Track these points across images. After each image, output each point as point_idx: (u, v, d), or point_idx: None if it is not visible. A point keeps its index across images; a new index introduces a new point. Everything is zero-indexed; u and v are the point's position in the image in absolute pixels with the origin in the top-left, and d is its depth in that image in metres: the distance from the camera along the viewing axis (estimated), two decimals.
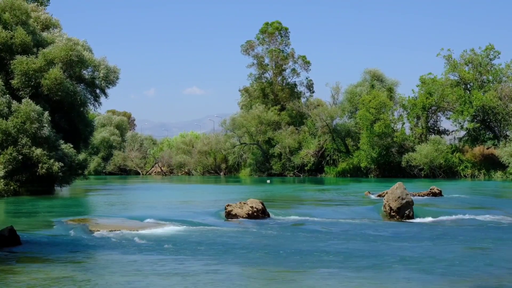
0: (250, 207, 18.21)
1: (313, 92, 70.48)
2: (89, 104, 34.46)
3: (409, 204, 18.70)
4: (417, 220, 18.33)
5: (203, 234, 14.96)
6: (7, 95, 28.35)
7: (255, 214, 18.11)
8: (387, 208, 18.80)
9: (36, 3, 34.61)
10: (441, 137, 53.27)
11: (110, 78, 33.74)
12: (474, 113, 50.47)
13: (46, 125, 28.39)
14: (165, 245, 13.12)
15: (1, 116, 27.41)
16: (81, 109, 33.84)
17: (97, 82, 33.70)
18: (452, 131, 55.68)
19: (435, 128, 56.06)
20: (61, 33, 33.23)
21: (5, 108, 27.69)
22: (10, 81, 29.62)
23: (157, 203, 26.37)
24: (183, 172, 73.48)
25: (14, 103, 28.03)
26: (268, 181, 49.06)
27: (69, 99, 31.14)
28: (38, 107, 28.14)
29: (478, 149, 51.98)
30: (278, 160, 62.91)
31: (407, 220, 18.22)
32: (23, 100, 28.09)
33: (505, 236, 14.85)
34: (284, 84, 68.66)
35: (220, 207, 19.86)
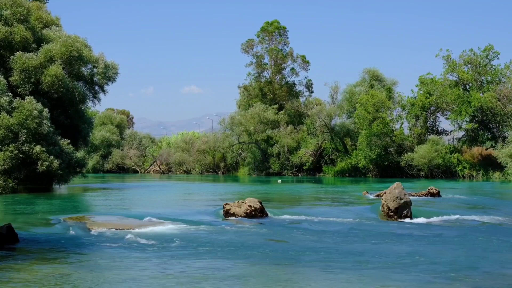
0: (248, 206, 18.21)
1: (312, 91, 70.57)
2: (88, 101, 34.45)
3: (407, 204, 18.72)
4: (415, 220, 18.34)
5: (201, 232, 14.96)
6: (9, 93, 28.40)
7: (253, 213, 18.10)
8: (385, 208, 18.81)
9: (37, 0, 34.55)
10: (439, 137, 53.28)
11: (109, 75, 33.66)
12: (472, 114, 50.47)
13: (45, 121, 28.42)
14: (162, 243, 13.12)
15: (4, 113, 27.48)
16: (80, 106, 33.85)
17: (95, 78, 33.66)
18: (451, 131, 55.70)
19: (434, 128, 56.09)
20: (61, 30, 33.22)
21: (7, 104, 27.70)
22: (9, 78, 29.61)
23: (155, 201, 26.38)
24: (182, 171, 73.45)
25: (16, 100, 28.06)
26: (279, 181, 48.42)
27: (68, 96, 31.14)
28: (39, 105, 28.19)
29: (476, 150, 51.98)
30: (277, 159, 62.90)
31: (405, 220, 18.23)
32: (26, 98, 28.15)
33: (502, 236, 14.86)
34: (283, 84, 68.67)
35: (218, 206, 19.87)
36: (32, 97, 28.36)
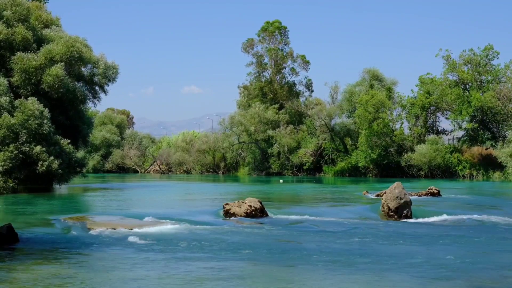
0: (248, 206, 18.22)
1: (312, 91, 70.49)
2: (88, 101, 34.47)
3: (407, 204, 18.72)
4: (415, 220, 18.35)
5: (201, 232, 14.97)
6: (10, 93, 28.42)
7: (253, 213, 18.11)
8: (385, 207, 18.82)
9: (37, 0, 34.54)
10: (439, 137, 53.27)
11: (109, 75, 33.69)
12: (472, 113, 50.48)
13: (46, 121, 28.44)
14: (163, 243, 13.13)
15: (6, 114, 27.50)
16: (80, 106, 33.86)
17: (96, 79, 33.66)
18: (451, 131, 55.65)
19: (434, 128, 56.07)
20: (61, 30, 33.22)
21: (7, 105, 27.73)
22: (9, 78, 29.62)
23: (155, 201, 26.39)
24: (182, 171, 73.46)
25: (19, 100, 28.08)
26: (281, 181, 48.38)
27: (69, 96, 31.16)
28: (41, 106, 28.21)
29: (476, 150, 51.98)
30: (277, 159, 62.89)
31: (405, 220, 18.24)
32: (29, 98, 28.19)
33: (502, 236, 14.87)
34: (283, 83, 68.66)
35: (218, 206, 19.87)
36: (35, 98, 28.40)
